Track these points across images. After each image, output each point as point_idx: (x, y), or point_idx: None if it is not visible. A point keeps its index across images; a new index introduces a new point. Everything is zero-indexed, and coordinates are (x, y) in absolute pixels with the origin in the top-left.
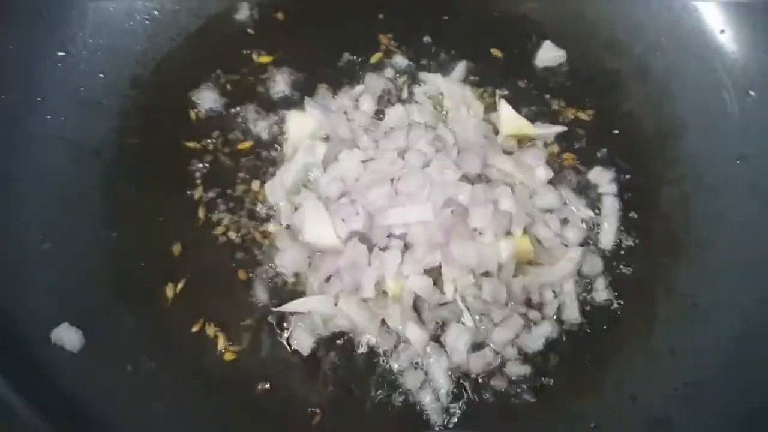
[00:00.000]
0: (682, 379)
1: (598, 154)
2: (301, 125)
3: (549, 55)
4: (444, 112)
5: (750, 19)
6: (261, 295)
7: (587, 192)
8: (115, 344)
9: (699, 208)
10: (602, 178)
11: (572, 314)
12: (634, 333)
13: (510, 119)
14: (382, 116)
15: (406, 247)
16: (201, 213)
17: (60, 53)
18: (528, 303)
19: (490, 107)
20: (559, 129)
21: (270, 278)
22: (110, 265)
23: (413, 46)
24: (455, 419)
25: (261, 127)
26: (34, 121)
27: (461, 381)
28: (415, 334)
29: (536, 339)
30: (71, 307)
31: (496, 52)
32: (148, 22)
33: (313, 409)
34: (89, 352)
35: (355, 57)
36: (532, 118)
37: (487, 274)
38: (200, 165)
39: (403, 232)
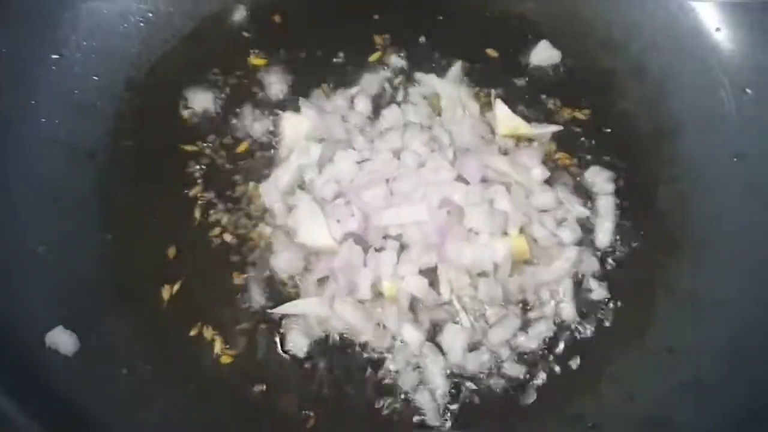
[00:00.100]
0: (680, 378)
1: (595, 154)
2: (297, 126)
3: (544, 54)
4: (439, 113)
5: (746, 18)
6: (256, 297)
7: (583, 191)
8: (111, 347)
9: (696, 207)
10: (598, 177)
11: (569, 314)
12: (631, 332)
13: (506, 119)
14: (377, 117)
15: (402, 247)
16: (196, 215)
17: (54, 56)
18: (524, 303)
19: (486, 107)
20: (555, 128)
21: (265, 280)
22: (105, 268)
23: (409, 46)
24: (452, 420)
25: (256, 129)
26: (28, 124)
27: (458, 381)
28: (412, 334)
29: (533, 339)
30: (66, 311)
31: (491, 51)
32: (142, 25)
33: (307, 412)
34: (84, 356)
35: (350, 58)
36: (528, 118)
37: (483, 274)
38: (195, 167)
39: (399, 233)
